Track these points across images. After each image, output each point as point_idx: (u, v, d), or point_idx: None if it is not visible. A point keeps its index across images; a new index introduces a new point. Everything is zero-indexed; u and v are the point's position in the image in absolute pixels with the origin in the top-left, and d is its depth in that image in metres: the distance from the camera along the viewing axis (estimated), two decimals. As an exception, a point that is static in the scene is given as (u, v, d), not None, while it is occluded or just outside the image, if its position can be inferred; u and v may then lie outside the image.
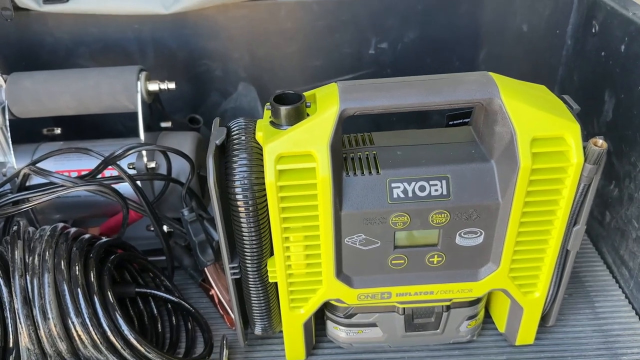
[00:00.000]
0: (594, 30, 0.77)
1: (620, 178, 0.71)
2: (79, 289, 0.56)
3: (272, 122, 0.51)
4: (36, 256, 0.57)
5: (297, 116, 0.50)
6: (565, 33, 0.84)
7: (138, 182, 0.67)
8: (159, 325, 0.67)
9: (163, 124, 0.80)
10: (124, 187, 0.68)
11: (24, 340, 0.55)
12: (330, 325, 0.63)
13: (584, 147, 0.49)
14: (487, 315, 0.67)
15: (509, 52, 0.86)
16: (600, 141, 0.49)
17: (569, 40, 0.84)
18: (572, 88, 0.84)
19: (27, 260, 0.57)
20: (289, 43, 0.84)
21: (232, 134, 0.53)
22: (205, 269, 0.69)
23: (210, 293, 0.70)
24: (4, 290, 0.55)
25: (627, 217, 0.70)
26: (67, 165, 0.73)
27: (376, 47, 0.85)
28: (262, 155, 0.51)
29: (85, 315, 0.55)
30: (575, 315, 0.68)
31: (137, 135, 0.71)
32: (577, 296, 0.71)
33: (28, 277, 0.56)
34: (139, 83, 0.70)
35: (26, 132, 0.76)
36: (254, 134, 0.53)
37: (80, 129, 0.83)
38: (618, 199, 0.72)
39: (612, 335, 0.65)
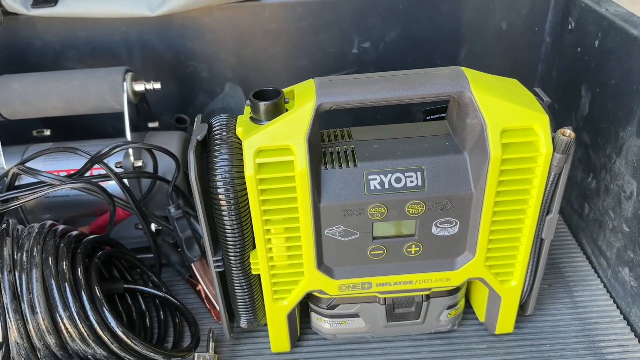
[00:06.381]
0: (570, 27, 0.79)
1: (597, 170, 0.73)
2: (66, 284, 0.57)
3: (252, 118, 0.53)
4: (24, 252, 0.58)
5: (276, 111, 0.52)
6: (544, 31, 0.86)
7: (125, 181, 0.69)
8: (147, 320, 0.68)
9: (150, 125, 0.81)
10: (113, 187, 0.69)
11: (14, 335, 0.56)
12: (314, 317, 0.64)
13: (553, 138, 0.51)
14: (468, 305, 0.69)
15: (489, 50, 0.88)
16: (568, 131, 0.51)
17: (548, 38, 0.86)
18: (552, 84, 0.86)
19: (15, 257, 0.58)
20: (274, 44, 0.86)
21: (214, 129, 0.55)
22: (192, 265, 0.70)
23: (198, 288, 0.71)
24: (-7, 286, 0.56)
25: (604, 208, 0.72)
26: (56, 166, 0.74)
27: (359, 47, 0.87)
28: (242, 150, 0.53)
29: (73, 310, 0.56)
30: (555, 305, 0.70)
31: (125, 136, 0.73)
32: (556, 286, 0.72)
33: (17, 273, 0.57)
34: (125, 84, 0.71)
35: (16, 134, 0.78)
36: (235, 129, 0.54)
37: (70, 131, 0.85)
38: (596, 191, 0.74)
39: (590, 324, 0.67)
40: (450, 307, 0.62)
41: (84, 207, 0.76)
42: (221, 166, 0.52)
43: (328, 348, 0.65)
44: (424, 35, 0.86)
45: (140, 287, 0.68)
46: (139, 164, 0.72)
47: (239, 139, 0.54)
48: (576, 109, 0.78)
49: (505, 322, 0.64)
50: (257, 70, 0.88)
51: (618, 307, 0.69)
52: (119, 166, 0.72)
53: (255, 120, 0.52)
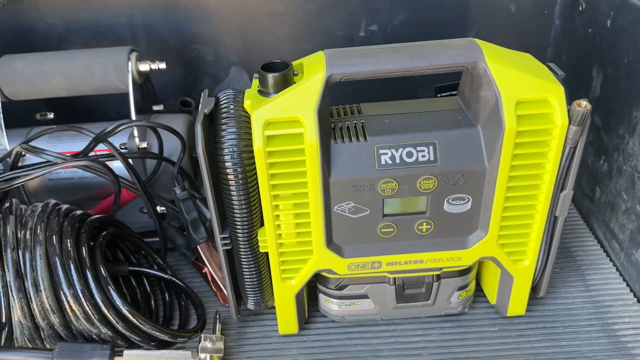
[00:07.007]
0: (580, 8, 0.77)
1: (609, 152, 0.72)
2: (70, 262, 0.56)
3: (260, 91, 0.52)
4: (28, 230, 0.57)
5: (285, 84, 0.50)
6: (553, 13, 0.85)
7: (130, 161, 0.67)
8: (152, 302, 0.67)
9: (155, 107, 0.80)
10: (118, 169, 0.68)
11: (17, 314, 0.55)
12: (322, 298, 0.63)
13: (568, 109, 0.50)
14: (479, 288, 0.67)
15: (498, 33, 0.87)
16: (584, 102, 0.49)
17: (557, 21, 0.85)
18: (562, 67, 0.83)
19: (19, 235, 0.57)
20: (280, 26, 0.85)
21: (221, 103, 0.54)
22: (198, 247, 0.69)
23: (204, 271, 0.70)
24: (-4, 265, 0.55)
25: (616, 190, 0.71)
26: (60, 147, 0.73)
27: (366, 30, 0.86)
28: (250, 124, 0.51)
29: (77, 288, 0.55)
30: (567, 288, 0.68)
31: (128, 119, 0.72)
32: (568, 270, 0.71)
33: (20, 251, 0.56)
34: (129, 63, 0.70)
35: (19, 116, 0.77)
36: (243, 103, 0.53)
37: (73, 114, 0.84)
38: (607, 173, 0.73)
39: (603, 306, 0.66)
40: (461, 288, 0.61)
41: (87, 190, 0.75)
42: (229, 139, 0.51)
43: (336, 330, 0.64)
44: (431, 17, 0.85)
45: (145, 269, 0.67)
46: (144, 145, 0.71)
47: (246, 113, 0.52)
48: (587, 91, 0.76)
49: (517, 304, 0.63)
50: (262, 54, 0.87)
51: (631, 290, 0.67)
52: (123, 147, 0.71)
53: (263, 92, 0.51)
